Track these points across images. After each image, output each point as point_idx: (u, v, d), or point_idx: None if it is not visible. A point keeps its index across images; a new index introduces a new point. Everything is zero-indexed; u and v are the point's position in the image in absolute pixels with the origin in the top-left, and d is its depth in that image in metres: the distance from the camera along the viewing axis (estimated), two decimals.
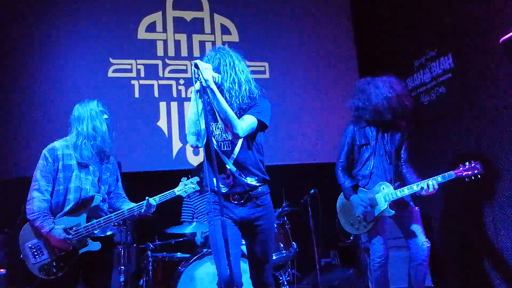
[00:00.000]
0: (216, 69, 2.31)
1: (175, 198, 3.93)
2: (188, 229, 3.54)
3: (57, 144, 2.71)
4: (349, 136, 3.26)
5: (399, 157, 3.19)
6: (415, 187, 3.01)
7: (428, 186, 2.96)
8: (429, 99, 4.50)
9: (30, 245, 2.57)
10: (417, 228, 3.10)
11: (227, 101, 2.27)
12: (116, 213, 2.69)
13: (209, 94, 2.22)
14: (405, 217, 3.13)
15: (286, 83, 5.27)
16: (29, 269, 2.55)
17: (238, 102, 2.32)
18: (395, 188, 3.08)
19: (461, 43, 4.05)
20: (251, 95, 2.39)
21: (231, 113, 2.25)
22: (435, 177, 2.98)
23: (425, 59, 4.53)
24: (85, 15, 4.85)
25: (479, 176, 2.94)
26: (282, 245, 3.54)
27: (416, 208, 3.49)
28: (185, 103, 4.99)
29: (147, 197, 2.71)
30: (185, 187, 2.80)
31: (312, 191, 4.02)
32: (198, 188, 2.82)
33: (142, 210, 2.72)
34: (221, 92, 2.28)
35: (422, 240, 3.06)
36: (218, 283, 2.27)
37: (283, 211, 3.76)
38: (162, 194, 2.76)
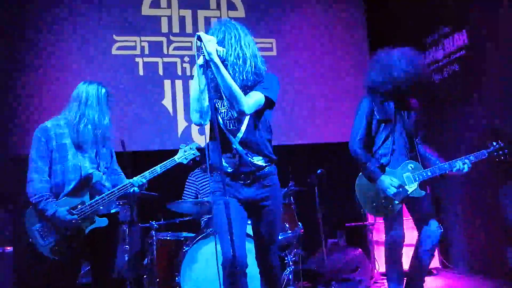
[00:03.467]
0: (221, 43, 2.20)
1: (179, 176, 3.95)
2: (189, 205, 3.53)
3: (48, 124, 2.64)
4: (367, 110, 2.97)
5: (416, 135, 3.00)
6: (446, 166, 2.86)
7: (461, 165, 2.84)
8: (441, 77, 4.37)
9: (36, 229, 2.55)
10: (431, 212, 2.95)
11: (230, 77, 2.17)
12: (118, 187, 2.65)
13: (213, 69, 2.11)
14: (421, 200, 2.92)
15: (294, 61, 5.14)
16: (40, 251, 2.53)
17: (242, 78, 2.21)
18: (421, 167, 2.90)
19: (476, 18, 3.89)
20: (257, 71, 2.27)
21: (236, 89, 2.15)
22: (468, 156, 2.86)
23: (439, 35, 4.37)
24: None
25: (508, 157, 2.84)
26: (287, 225, 3.50)
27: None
28: (190, 81, 4.89)
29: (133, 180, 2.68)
30: (185, 153, 2.75)
31: (319, 171, 3.95)
32: (198, 154, 2.75)
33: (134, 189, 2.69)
34: (225, 67, 2.17)
35: (436, 224, 2.89)
36: (223, 263, 2.22)
37: (289, 191, 3.71)
38: (162, 163, 2.72)
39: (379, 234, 4.37)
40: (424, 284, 2.96)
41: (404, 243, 2.98)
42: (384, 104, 2.97)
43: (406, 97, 2.99)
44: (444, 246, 4.17)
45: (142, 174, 2.70)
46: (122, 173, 2.88)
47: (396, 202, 2.87)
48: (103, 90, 2.69)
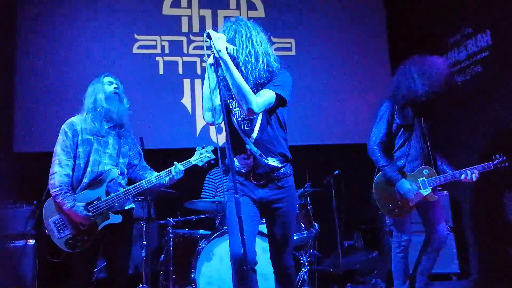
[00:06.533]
0: (231, 41, 2.17)
1: (197, 174, 3.97)
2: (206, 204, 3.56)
3: (75, 119, 2.74)
4: (388, 114, 3.10)
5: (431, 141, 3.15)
6: (457, 174, 3.02)
7: (469, 174, 2.98)
8: (463, 79, 4.28)
9: (53, 221, 2.62)
10: (440, 214, 3.09)
11: (242, 75, 2.14)
12: (134, 185, 2.70)
13: (222, 66, 2.09)
14: (434, 204, 3.09)
15: (313, 61, 5.12)
16: (56, 243, 2.60)
17: (254, 76, 2.17)
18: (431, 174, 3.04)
19: (500, 19, 3.81)
20: (270, 69, 2.23)
21: (245, 87, 2.11)
22: (476, 166, 3.00)
23: (461, 36, 4.29)
24: None
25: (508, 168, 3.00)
26: (303, 226, 3.49)
27: (445, 192, 3.40)
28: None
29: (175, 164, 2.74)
30: (201, 156, 2.77)
31: (336, 172, 3.92)
32: (213, 156, 2.78)
33: (163, 181, 2.74)
34: (237, 65, 2.14)
35: (444, 227, 3.07)
36: (231, 260, 2.22)
37: (305, 192, 3.70)
38: (180, 164, 2.76)
39: None
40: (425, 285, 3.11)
41: None
42: (405, 109, 3.10)
43: (426, 105, 3.10)
44: (462, 252, 4.09)
45: (158, 174, 2.75)
46: (152, 170, 2.93)
47: (411, 204, 3.03)
48: (100, 77, 2.78)
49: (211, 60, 2.10)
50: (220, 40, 2.08)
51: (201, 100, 4.86)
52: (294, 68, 4.87)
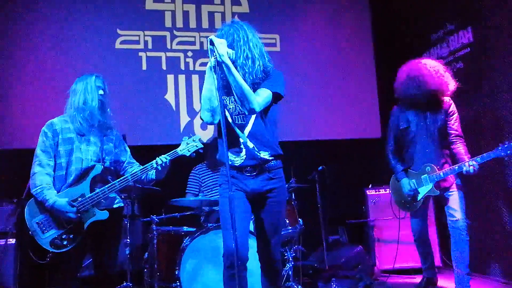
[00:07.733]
0: (230, 45, 2.32)
1: (181, 171, 3.95)
2: (192, 202, 3.54)
3: (55, 120, 2.72)
4: (394, 120, 3.43)
5: (444, 136, 3.26)
6: (456, 167, 3.13)
7: (467, 167, 3.05)
8: None
9: (37, 221, 2.57)
10: (455, 207, 3.19)
11: (241, 77, 2.27)
12: (119, 179, 2.66)
13: (225, 70, 2.22)
14: (446, 195, 3.25)
15: (298, 57, 5.13)
16: (40, 244, 2.56)
17: (251, 78, 2.33)
18: (439, 168, 3.22)
19: (481, 16, 3.86)
20: (265, 69, 2.39)
21: (247, 89, 2.26)
22: (475, 158, 3.04)
23: (443, 32, 4.34)
24: None
25: None
26: (288, 221, 3.50)
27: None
28: (193, 76, 4.90)
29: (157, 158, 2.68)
30: (187, 145, 2.70)
31: (320, 168, 3.95)
32: (201, 145, 2.71)
33: (150, 174, 2.73)
34: (235, 68, 2.28)
35: (457, 217, 3.16)
36: (224, 255, 2.29)
37: (290, 187, 3.71)
38: (165, 155, 2.69)
39: (380, 231, 4.37)
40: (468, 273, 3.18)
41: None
42: (407, 113, 3.35)
43: (422, 103, 3.25)
44: (446, 244, 4.16)
45: (143, 167, 2.70)
46: (139, 165, 2.86)
47: (418, 199, 3.32)
48: (92, 77, 2.73)
49: (212, 63, 2.23)
50: (222, 45, 2.23)
51: (184, 95, 4.92)
52: (279, 64, 4.80)
